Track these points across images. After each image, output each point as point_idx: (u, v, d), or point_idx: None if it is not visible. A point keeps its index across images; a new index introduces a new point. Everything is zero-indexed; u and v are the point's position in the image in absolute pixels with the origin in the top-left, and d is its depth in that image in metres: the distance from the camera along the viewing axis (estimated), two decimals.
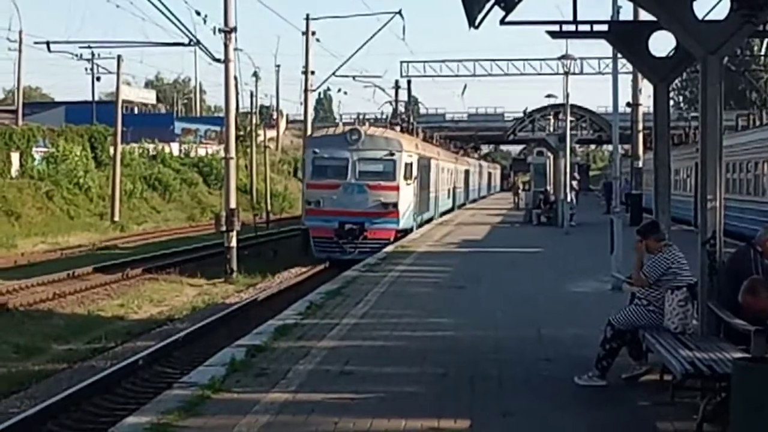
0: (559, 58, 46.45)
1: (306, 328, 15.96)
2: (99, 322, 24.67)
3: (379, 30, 67.54)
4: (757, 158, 34.48)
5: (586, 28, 14.70)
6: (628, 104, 50.11)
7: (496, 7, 13.75)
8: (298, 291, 27.42)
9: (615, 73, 25.92)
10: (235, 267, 34.57)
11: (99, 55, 69.49)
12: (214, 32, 36.17)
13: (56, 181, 55.59)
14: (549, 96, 52.89)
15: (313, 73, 60.58)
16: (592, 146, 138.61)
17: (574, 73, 58.62)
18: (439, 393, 11.38)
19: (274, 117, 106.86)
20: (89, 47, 60.83)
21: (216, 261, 36.65)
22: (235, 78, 37.85)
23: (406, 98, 61.64)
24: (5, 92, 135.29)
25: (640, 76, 42.71)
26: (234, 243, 35.43)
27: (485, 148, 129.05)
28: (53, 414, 14.50)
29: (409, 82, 65.83)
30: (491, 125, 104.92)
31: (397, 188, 37.43)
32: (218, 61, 36.17)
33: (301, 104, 64.23)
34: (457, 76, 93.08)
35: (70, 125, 65.65)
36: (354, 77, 66.19)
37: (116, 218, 56.11)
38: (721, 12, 12.27)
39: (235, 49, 36.51)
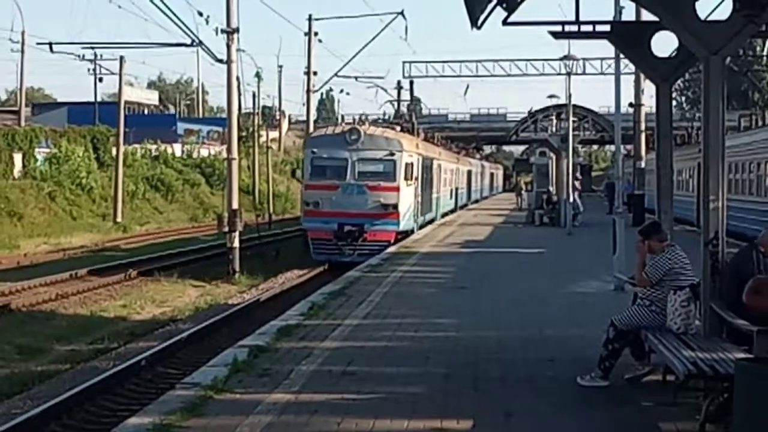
0: (561, 59, 46.61)
1: (309, 328, 15.97)
2: (101, 323, 24.69)
3: (382, 30, 67.67)
4: (760, 159, 34.45)
5: (589, 28, 14.70)
6: (630, 104, 50.17)
7: (499, 8, 13.75)
8: (301, 291, 27.44)
9: (617, 74, 25.93)
10: (237, 267, 34.61)
11: (101, 56, 69.88)
12: (217, 33, 36.21)
13: (59, 181, 55.67)
14: (551, 96, 52.86)
15: (315, 73, 60.70)
16: (595, 147, 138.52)
17: (576, 74, 58.89)
18: (442, 393, 11.38)
19: (277, 118, 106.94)
20: (92, 48, 61.19)
21: (218, 261, 36.68)
22: (238, 79, 37.92)
23: (408, 99, 61.48)
24: (8, 93, 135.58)
25: (642, 76, 42.70)
26: (236, 243, 35.46)
27: (488, 149, 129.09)
28: (56, 415, 14.51)
29: (411, 82, 65.78)
30: (494, 126, 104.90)
31: (397, 189, 36.77)
32: (221, 61, 36.21)
33: (303, 105, 64.36)
34: (459, 76, 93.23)
35: (73, 126, 65.84)
36: (356, 78, 66.33)
37: (119, 219, 56.16)
38: (724, 12, 12.27)
39: (238, 50, 36.55)
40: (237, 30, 35.75)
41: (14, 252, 41.50)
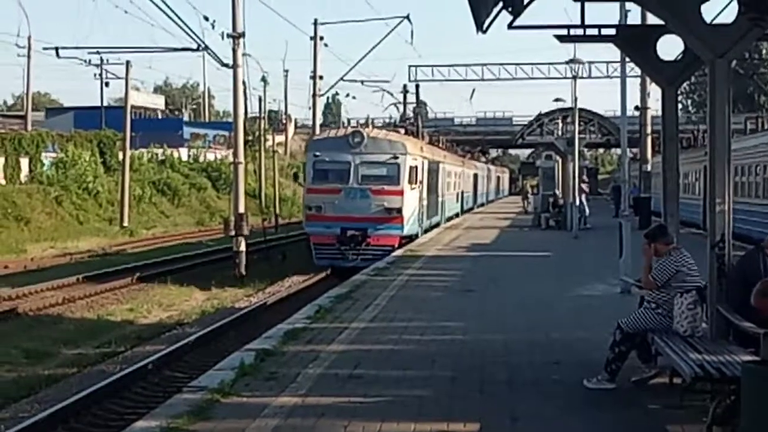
0: (567, 62, 46.45)
1: (315, 332, 15.98)
2: (108, 327, 24.71)
3: (388, 34, 67.72)
4: (766, 161, 34.42)
5: (594, 32, 14.69)
6: (636, 108, 50.20)
7: (504, 12, 13.75)
8: (307, 295, 27.43)
9: (623, 77, 25.91)
10: (244, 271, 34.65)
11: (108, 60, 69.95)
12: (223, 37, 36.32)
13: (65, 186, 55.74)
14: (557, 100, 52.78)
15: (321, 77, 60.99)
16: (601, 150, 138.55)
17: (582, 77, 58.85)
18: (448, 396, 11.39)
19: (283, 122, 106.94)
20: (98, 53, 61.07)
21: (225, 265, 36.73)
22: (244, 83, 38.03)
23: (414, 103, 61.46)
24: (14, 98, 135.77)
25: (648, 79, 42.74)
26: (243, 247, 35.52)
27: (494, 152, 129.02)
28: (63, 418, 14.52)
29: (417, 86, 65.73)
30: (500, 129, 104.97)
31: (401, 193, 36.10)
32: (227, 66, 36.26)
33: (309, 109, 64.59)
34: (465, 80, 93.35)
35: (79, 130, 65.97)
36: (362, 82, 66.46)
37: (125, 223, 56.21)
38: (729, 16, 12.27)
39: (244, 54, 36.64)
40: (243, 34, 35.83)
41: (21, 256, 41.56)
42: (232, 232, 35.48)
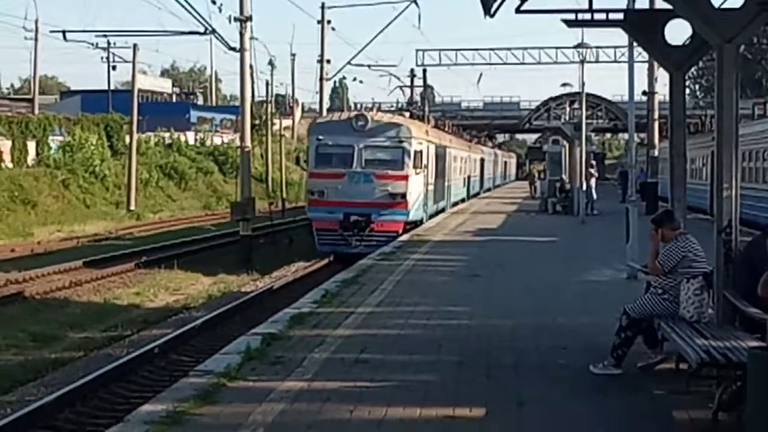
0: (574, 47, 46.48)
1: (321, 316, 15.99)
2: (115, 311, 24.76)
3: (395, 18, 67.70)
4: None
5: (602, 16, 14.66)
6: (644, 93, 49.94)
7: None
8: (314, 279, 27.45)
9: (631, 62, 25.87)
10: (250, 255, 34.65)
11: (115, 44, 70.25)
12: (230, 21, 36.34)
13: (72, 169, 55.79)
14: (564, 85, 52.70)
15: (328, 61, 60.80)
16: (608, 135, 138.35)
17: (589, 62, 58.70)
18: (455, 381, 11.40)
19: (290, 106, 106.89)
20: (105, 36, 61.58)
21: (232, 249, 36.79)
22: (251, 67, 38.09)
23: (421, 87, 61.35)
24: (21, 81, 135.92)
25: (656, 64, 42.59)
26: (250, 231, 35.53)
27: (501, 137, 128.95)
28: (70, 402, 14.56)
29: (424, 70, 65.50)
30: (507, 114, 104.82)
31: (405, 177, 35.37)
32: (234, 49, 36.25)
33: (316, 93, 64.49)
34: (472, 64, 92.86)
35: (86, 114, 66.03)
36: (369, 66, 66.32)
37: (132, 207, 56.29)
38: (737, 0, 12.24)
39: (251, 38, 36.70)
40: (250, 18, 35.84)
41: (28, 240, 41.65)
42: (239, 217, 35.48)
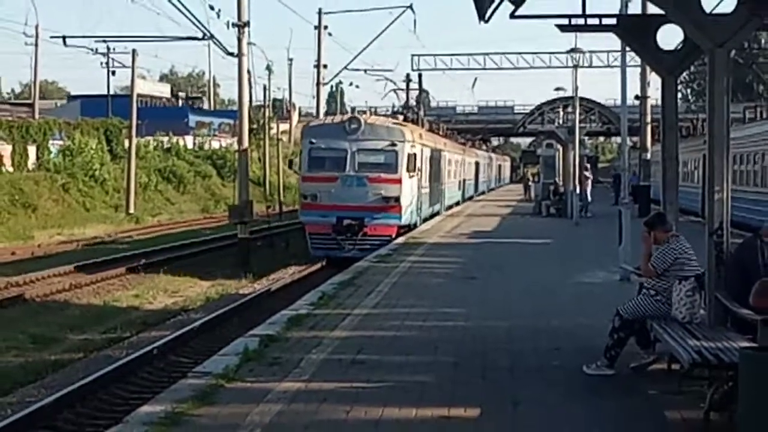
0: (568, 52, 46.42)
1: (318, 318, 15.99)
2: (114, 313, 24.73)
3: (391, 24, 67.66)
4: (764, 150, 34.40)
5: (595, 21, 14.68)
6: (636, 97, 50.07)
7: (506, 1, 13.75)
8: (311, 281, 27.42)
9: (623, 66, 25.90)
10: (248, 258, 34.61)
11: (114, 49, 70.22)
12: (228, 26, 36.38)
13: (72, 173, 55.76)
14: (558, 89, 52.82)
15: (325, 66, 60.85)
16: (601, 138, 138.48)
17: (583, 66, 58.61)
18: (450, 382, 11.40)
19: (287, 110, 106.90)
20: (104, 41, 61.58)
21: (230, 252, 36.74)
22: (249, 72, 38.05)
23: (416, 90, 61.34)
24: (22, 86, 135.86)
25: (648, 69, 42.67)
26: (247, 234, 35.49)
27: (495, 141, 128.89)
28: (69, 403, 14.53)
29: (420, 75, 65.54)
30: (501, 118, 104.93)
31: (399, 181, 34.68)
32: (232, 55, 36.32)
33: (313, 97, 64.48)
34: (467, 69, 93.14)
35: (86, 118, 66.05)
36: (366, 71, 66.38)
37: (131, 210, 56.25)
38: (729, 5, 12.26)
39: (249, 43, 36.72)
40: (248, 24, 35.84)
41: (28, 243, 41.59)
42: (237, 220, 35.42)
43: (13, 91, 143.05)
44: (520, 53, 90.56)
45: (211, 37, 36.40)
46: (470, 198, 66.81)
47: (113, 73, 79.60)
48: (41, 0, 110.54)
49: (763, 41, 73.16)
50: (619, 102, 28.76)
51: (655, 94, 47.61)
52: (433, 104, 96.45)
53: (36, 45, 70.26)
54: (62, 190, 53.61)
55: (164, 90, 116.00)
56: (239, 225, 35.77)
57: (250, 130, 43.09)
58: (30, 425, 13.35)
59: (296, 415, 9.96)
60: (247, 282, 30.65)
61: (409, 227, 36.49)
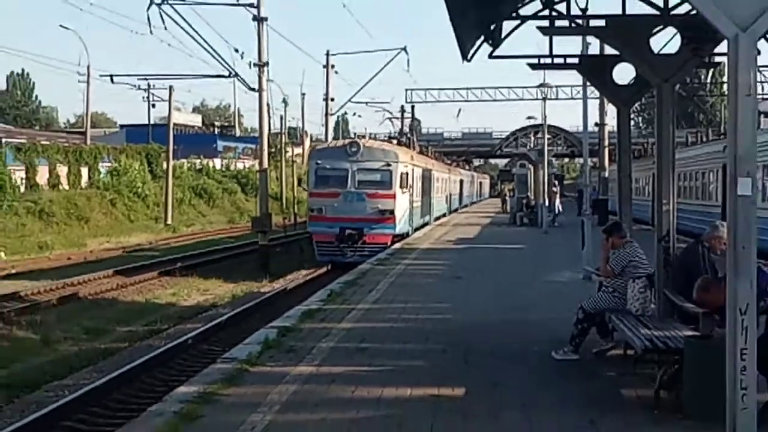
0: (538, 86, 46.53)
1: (327, 312, 15.97)
2: (154, 308, 24.70)
3: (388, 63, 67.49)
4: (704, 169, 34.52)
5: (561, 61, 14.79)
6: (596, 124, 50.02)
7: (485, 44, 13.82)
8: (320, 282, 27.37)
9: (585, 99, 25.99)
10: (268, 262, 34.58)
11: (154, 85, 69.94)
12: (250, 66, 36.34)
13: (119, 190, 55.83)
14: (529, 118, 53.24)
15: (332, 99, 60.96)
16: (566, 159, 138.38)
17: (550, 99, 58.72)
18: (440, 366, 11.39)
19: (300, 136, 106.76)
20: (146, 79, 61.45)
21: (252, 257, 36.69)
22: (268, 104, 37.97)
23: (409, 118, 61.32)
24: (76, 117, 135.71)
25: (605, 100, 42.67)
26: (267, 242, 35.45)
27: (476, 162, 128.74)
28: (117, 385, 14.54)
29: (412, 106, 65.48)
30: (481, 142, 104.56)
31: (393, 196, 34.68)
32: (253, 90, 36.25)
33: (322, 126, 64.48)
34: (453, 101, 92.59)
35: (130, 144, 66.16)
36: (367, 103, 66.41)
37: (169, 221, 56.21)
38: (674, 46, 12.31)
39: (268, 80, 36.62)
40: (267, 64, 35.83)
41: (82, 249, 41.53)
42: (258, 229, 35.35)
43: (68, 121, 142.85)
44: (497, 87, 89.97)
45: (236, 75, 36.37)
46: (455, 210, 66.67)
47: (153, 105, 79.38)
48: (92, 44, 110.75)
49: (702, 77, 73.24)
50: (581, 128, 28.71)
51: (611, 122, 47.57)
52: (423, 131, 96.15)
53: (87, 82, 70.04)
54: (110, 204, 53.64)
55: (196, 120, 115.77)
56: (260, 234, 35.73)
57: (269, 154, 42.95)
58: (85, 403, 13.35)
59: (309, 394, 9.95)
60: (266, 282, 30.59)
61: (403, 236, 36.34)
